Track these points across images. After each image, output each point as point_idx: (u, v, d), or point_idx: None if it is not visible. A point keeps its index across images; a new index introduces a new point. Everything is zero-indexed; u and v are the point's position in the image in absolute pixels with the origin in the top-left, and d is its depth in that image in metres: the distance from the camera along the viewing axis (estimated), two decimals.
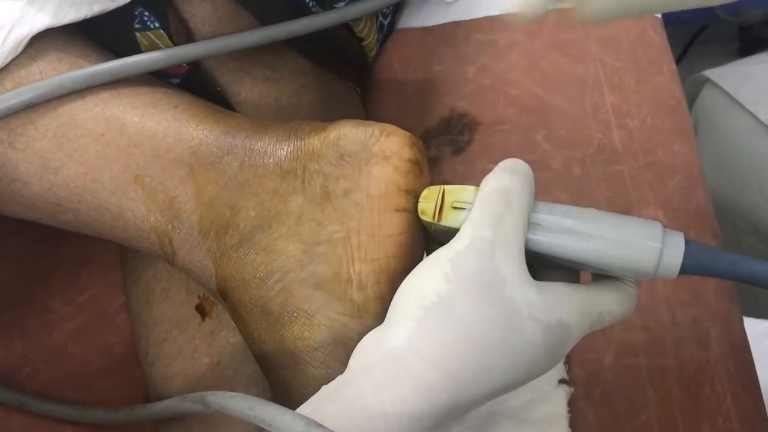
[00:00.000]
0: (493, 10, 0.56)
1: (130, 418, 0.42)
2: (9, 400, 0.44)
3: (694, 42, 1.33)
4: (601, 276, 0.33)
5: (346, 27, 0.48)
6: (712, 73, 0.86)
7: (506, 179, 0.31)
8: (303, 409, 0.28)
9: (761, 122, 0.67)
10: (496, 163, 0.33)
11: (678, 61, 1.30)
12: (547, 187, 0.49)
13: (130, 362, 0.46)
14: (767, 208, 0.65)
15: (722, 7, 1.15)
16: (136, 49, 0.40)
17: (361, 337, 0.31)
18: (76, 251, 0.49)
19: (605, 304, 0.31)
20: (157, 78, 0.41)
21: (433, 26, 0.56)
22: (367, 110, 0.53)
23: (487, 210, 0.30)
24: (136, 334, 0.45)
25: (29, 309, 0.47)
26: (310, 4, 0.43)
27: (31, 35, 0.36)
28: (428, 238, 0.36)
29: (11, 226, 0.45)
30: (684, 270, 0.31)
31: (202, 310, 0.44)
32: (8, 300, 0.48)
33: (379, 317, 0.33)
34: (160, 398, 0.41)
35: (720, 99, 0.83)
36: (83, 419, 0.43)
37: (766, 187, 0.65)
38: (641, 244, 0.30)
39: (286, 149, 0.36)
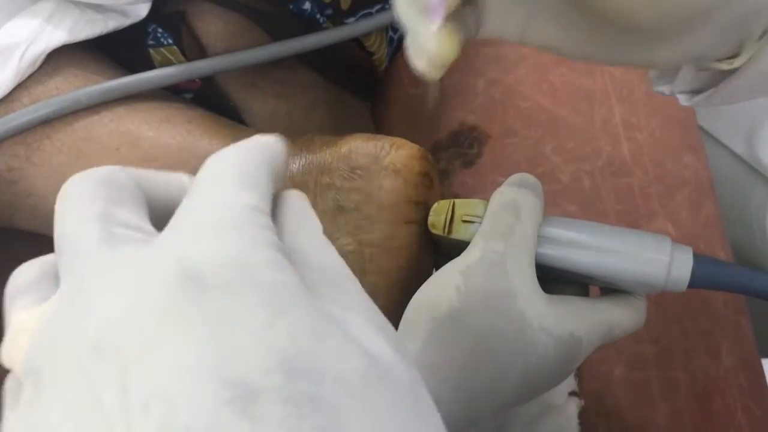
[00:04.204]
0: None
1: None
2: None
3: None
4: (610, 290, 0.33)
5: (357, 42, 0.48)
6: None
7: (515, 193, 0.31)
8: None
9: (737, 155, 0.66)
10: (506, 175, 0.33)
11: None
12: (557, 200, 0.49)
13: None
14: (750, 240, 0.64)
15: None
16: (150, 65, 0.40)
17: None
18: None
19: (615, 317, 0.31)
20: (171, 93, 0.42)
21: None
22: (376, 124, 0.53)
23: (497, 223, 0.31)
24: None
25: None
26: (321, 20, 0.43)
27: (48, 51, 0.37)
28: (437, 252, 0.37)
29: (24, 233, 0.45)
30: (692, 283, 0.31)
31: None
32: None
33: None
34: None
35: None
36: None
37: (746, 218, 0.64)
38: (650, 257, 0.31)
39: (297, 163, 0.37)
